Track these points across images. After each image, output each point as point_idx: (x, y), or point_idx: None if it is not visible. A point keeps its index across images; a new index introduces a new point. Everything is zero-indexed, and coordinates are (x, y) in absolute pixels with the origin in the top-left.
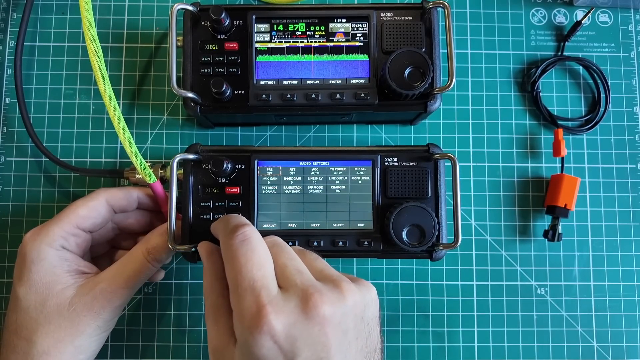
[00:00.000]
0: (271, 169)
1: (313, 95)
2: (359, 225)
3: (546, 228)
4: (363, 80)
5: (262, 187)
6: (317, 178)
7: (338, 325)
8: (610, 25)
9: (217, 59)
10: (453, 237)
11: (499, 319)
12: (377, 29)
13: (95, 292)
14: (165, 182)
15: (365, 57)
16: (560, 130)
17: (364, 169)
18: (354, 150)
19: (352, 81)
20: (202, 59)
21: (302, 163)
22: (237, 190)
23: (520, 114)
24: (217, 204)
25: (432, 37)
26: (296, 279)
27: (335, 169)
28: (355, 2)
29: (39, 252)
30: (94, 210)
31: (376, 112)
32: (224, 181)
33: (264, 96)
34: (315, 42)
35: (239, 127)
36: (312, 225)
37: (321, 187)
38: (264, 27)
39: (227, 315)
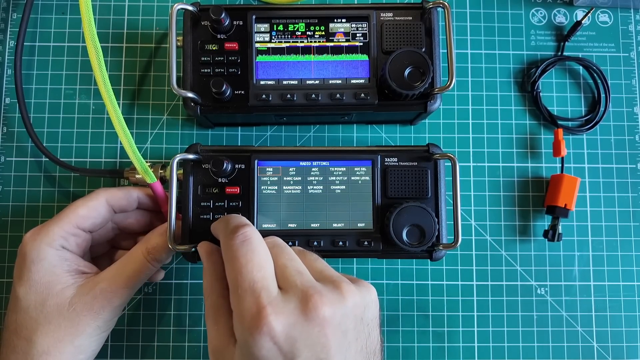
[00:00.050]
0: (271, 169)
1: (313, 95)
2: (359, 225)
3: (546, 228)
4: (363, 80)
5: (262, 187)
6: (317, 178)
7: (338, 326)
8: (610, 25)
9: (217, 59)
10: (453, 237)
11: (499, 319)
12: (377, 29)
13: (95, 292)
14: (165, 182)
15: (365, 57)
16: (560, 130)
17: (364, 169)
18: (354, 150)
19: (352, 81)
20: (202, 59)
21: (302, 163)
22: (237, 190)
23: (520, 114)
24: (217, 204)
25: (432, 37)
26: (296, 280)
27: (335, 169)
28: (355, 2)
29: (39, 251)
30: (94, 210)
31: (376, 112)
32: (224, 181)
33: (264, 96)
34: (315, 42)
35: (239, 127)
36: (312, 225)
37: (321, 187)
38: (264, 27)
39: (227, 316)
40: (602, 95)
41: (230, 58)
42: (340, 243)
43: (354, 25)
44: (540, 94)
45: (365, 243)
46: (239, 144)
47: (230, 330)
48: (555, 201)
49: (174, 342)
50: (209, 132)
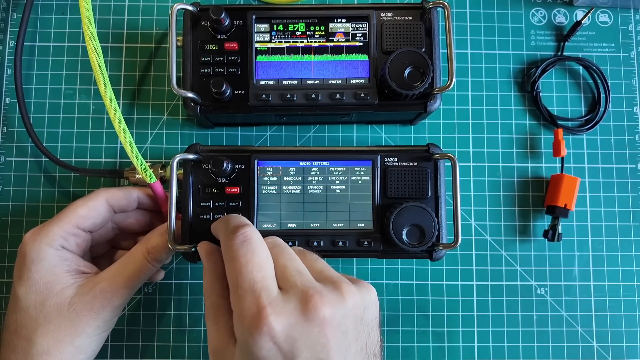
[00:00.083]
0: (271, 169)
1: (313, 95)
2: (358, 225)
3: (546, 228)
4: (363, 80)
5: (262, 187)
6: (317, 178)
7: (338, 326)
8: (610, 25)
9: (217, 59)
10: (453, 237)
11: (499, 319)
12: (377, 29)
13: (95, 292)
14: (165, 182)
15: (365, 57)
16: (560, 130)
17: (363, 169)
18: (353, 150)
19: (352, 81)
20: (202, 59)
21: (302, 163)
22: (237, 190)
23: (520, 114)
24: (217, 204)
25: (432, 37)
26: (296, 280)
27: (335, 169)
28: (355, 2)
29: (39, 251)
30: (94, 210)
31: (376, 112)
32: (224, 181)
33: (263, 96)
34: (315, 42)
35: (239, 127)
36: (312, 225)
37: (321, 187)
38: (264, 27)
39: (227, 316)
40: (602, 95)
41: (230, 58)
42: (340, 243)
43: (353, 25)
44: (540, 94)
45: (365, 243)
46: (239, 144)
47: (230, 330)
48: (555, 201)
49: (174, 342)
50: (209, 132)
